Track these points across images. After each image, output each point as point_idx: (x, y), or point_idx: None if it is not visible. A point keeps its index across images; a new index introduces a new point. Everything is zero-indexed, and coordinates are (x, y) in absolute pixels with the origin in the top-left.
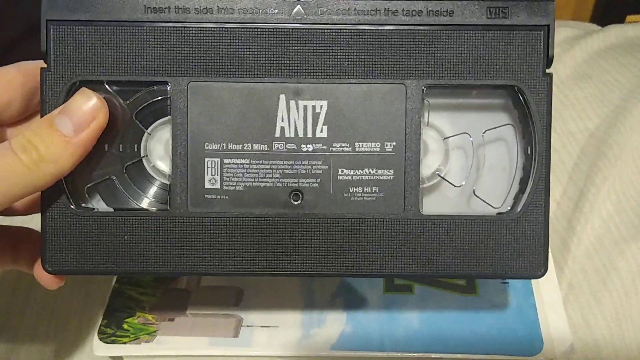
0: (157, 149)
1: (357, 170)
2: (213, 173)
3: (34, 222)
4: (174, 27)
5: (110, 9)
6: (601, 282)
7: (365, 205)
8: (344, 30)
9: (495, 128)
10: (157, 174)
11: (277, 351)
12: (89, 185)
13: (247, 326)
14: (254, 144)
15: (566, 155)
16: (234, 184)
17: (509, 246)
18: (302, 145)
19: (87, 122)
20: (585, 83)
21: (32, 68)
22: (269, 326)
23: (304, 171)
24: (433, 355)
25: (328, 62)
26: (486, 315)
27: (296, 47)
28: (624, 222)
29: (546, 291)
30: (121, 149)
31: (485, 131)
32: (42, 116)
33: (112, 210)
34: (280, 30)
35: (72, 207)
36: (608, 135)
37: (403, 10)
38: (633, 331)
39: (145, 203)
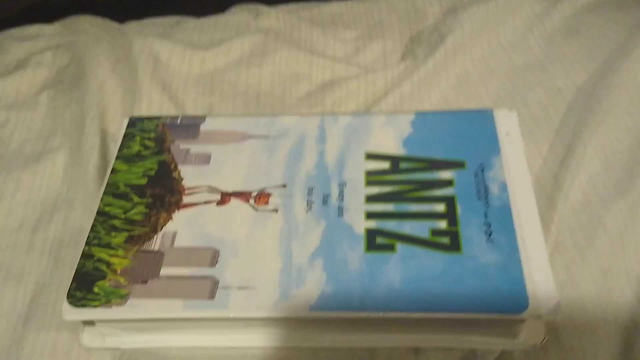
0: None
1: None
2: None
3: None
4: None
5: None
6: (587, 238)
7: None
8: None
9: None
10: None
11: (255, 313)
12: None
13: (224, 288)
14: None
15: (553, 112)
16: None
17: None
18: None
19: None
20: (574, 38)
21: None
22: (246, 287)
23: None
24: (415, 315)
25: None
26: (470, 274)
27: None
28: (611, 179)
29: (532, 248)
30: None
31: None
32: None
33: None
34: None
35: None
36: (597, 91)
37: None
38: (619, 288)
39: None
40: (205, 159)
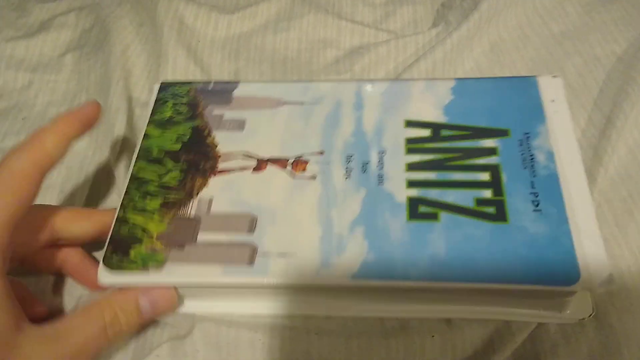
0: None
1: None
2: None
3: None
4: None
5: None
6: (627, 212)
7: None
8: None
9: None
10: None
11: (295, 280)
12: None
13: (263, 254)
14: None
15: (591, 81)
16: None
17: None
18: None
19: (162, 309)
20: (613, 4)
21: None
22: (285, 254)
23: None
24: (461, 285)
25: None
26: (518, 244)
27: None
28: None
29: (582, 219)
30: None
31: None
32: None
33: None
34: None
35: None
36: (637, 60)
37: None
38: None
39: None
40: (240, 125)
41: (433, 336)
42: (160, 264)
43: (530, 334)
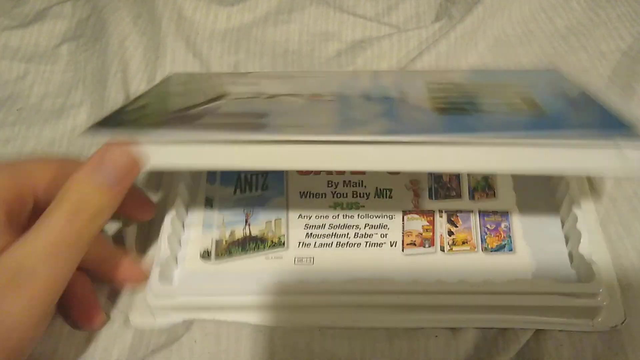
0: None
1: None
2: None
3: None
4: None
5: None
6: (632, 210)
7: None
8: None
9: None
10: None
11: (313, 136)
12: None
13: (274, 125)
14: None
15: (597, 77)
16: None
17: None
18: None
19: (122, 172)
20: (617, 0)
21: None
22: (299, 126)
23: None
24: (525, 137)
25: None
26: (566, 120)
27: None
28: None
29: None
30: None
31: None
32: None
33: None
34: None
35: None
36: None
37: None
38: None
39: None
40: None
41: (437, 336)
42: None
43: (534, 334)
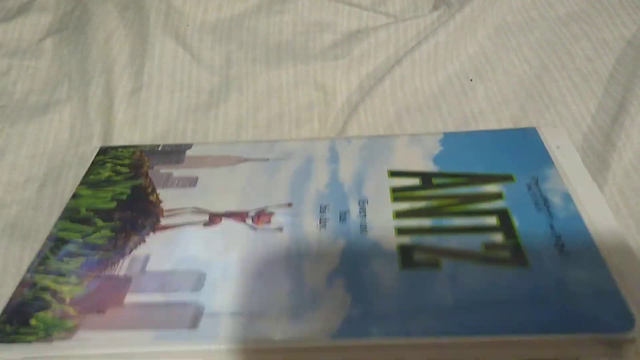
0: None
1: None
2: None
3: None
4: None
5: None
6: None
7: None
8: None
9: None
10: None
11: (254, 343)
12: None
13: (211, 315)
14: None
15: (601, 66)
16: None
17: None
18: None
19: None
20: None
21: None
22: (241, 313)
23: None
24: (478, 339)
25: None
26: (548, 290)
27: None
28: None
29: (618, 259)
30: None
31: None
32: None
33: None
34: None
35: None
36: None
37: None
38: None
39: None
40: (191, 182)
41: None
42: (69, 332)
43: None
